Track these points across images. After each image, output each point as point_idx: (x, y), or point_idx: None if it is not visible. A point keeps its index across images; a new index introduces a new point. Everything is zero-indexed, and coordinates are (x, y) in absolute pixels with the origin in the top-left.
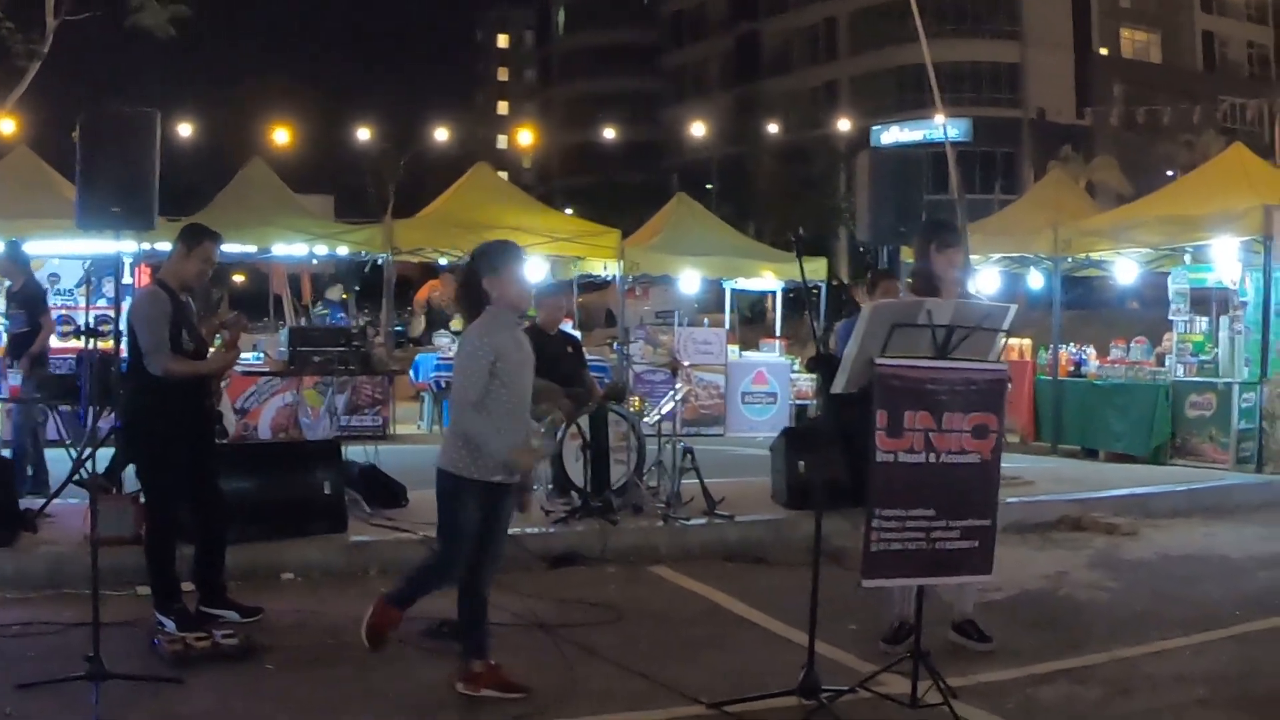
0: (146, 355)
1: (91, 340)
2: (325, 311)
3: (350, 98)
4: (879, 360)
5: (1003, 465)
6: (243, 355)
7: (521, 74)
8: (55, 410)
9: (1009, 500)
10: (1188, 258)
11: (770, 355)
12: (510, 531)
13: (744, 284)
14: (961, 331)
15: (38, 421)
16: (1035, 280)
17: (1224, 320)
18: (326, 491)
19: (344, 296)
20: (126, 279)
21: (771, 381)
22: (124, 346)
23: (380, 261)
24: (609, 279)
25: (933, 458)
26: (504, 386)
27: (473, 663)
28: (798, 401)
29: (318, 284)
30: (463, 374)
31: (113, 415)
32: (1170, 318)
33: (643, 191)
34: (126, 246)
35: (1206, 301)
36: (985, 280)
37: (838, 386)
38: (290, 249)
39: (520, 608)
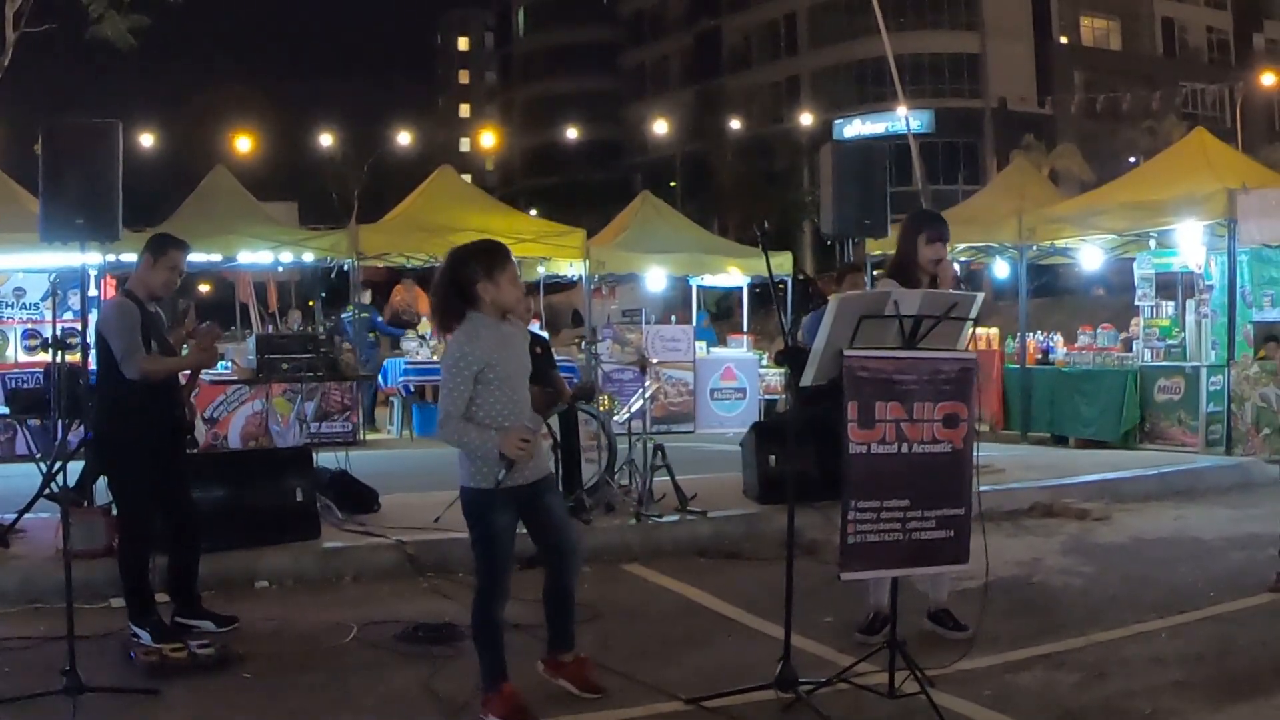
0: (121, 361)
1: (59, 353)
2: (365, 315)
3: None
4: (848, 352)
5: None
6: None
7: (482, 76)
8: (24, 424)
9: (980, 488)
10: (1152, 243)
11: (738, 351)
12: None
13: (710, 280)
14: (929, 321)
15: None
16: (1001, 269)
17: (1190, 304)
18: (298, 499)
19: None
20: (92, 291)
21: (740, 377)
22: (92, 359)
23: (346, 267)
24: (575, 279)
25: (905, 448)
26: (498, 390)
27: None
28: (767, 396)
29: (350, 289)
30: (445, 386)
31: (82, 428)
32: (1136, 303)
33: (606, 190)
34: (92, 258)
35: (1172, 286)
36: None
37: (807, 379)
38: (255, 257)
39: None
